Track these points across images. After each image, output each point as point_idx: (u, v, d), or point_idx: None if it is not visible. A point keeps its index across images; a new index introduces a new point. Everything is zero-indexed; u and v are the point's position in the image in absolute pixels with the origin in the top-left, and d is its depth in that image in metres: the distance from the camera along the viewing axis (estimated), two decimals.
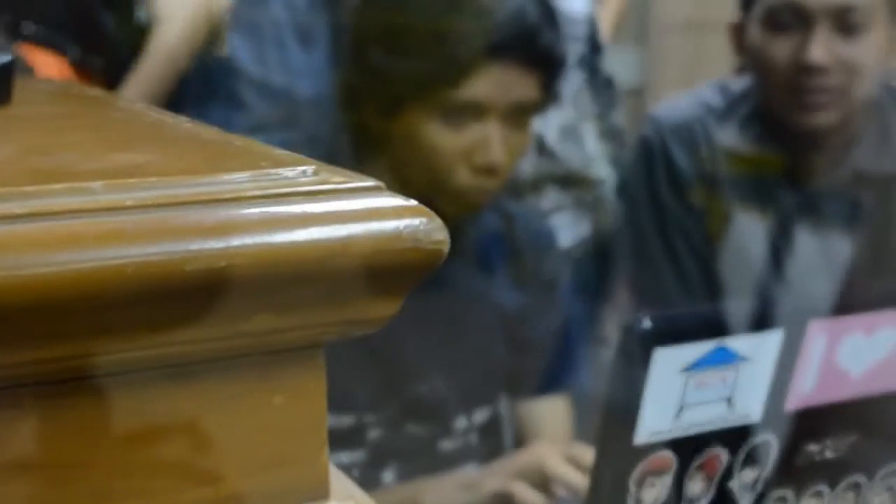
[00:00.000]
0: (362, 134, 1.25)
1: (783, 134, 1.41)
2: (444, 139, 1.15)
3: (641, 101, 3.08)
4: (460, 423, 1.27)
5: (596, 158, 1.69)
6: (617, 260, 1.58)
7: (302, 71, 1.66)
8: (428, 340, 1.26)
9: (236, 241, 0.37)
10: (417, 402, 1.25)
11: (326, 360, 0.41)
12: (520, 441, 1.33)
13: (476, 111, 1.14)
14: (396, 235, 0.38)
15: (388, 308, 0.40)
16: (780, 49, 1.33)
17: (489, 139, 1.14)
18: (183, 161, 0.43)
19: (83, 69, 1.32)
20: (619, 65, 2.97)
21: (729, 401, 0.72)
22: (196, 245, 0.36)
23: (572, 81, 1.66)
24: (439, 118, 1.15)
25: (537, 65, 1.17)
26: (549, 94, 1.21)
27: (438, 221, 0.40)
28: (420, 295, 1.19)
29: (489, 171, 1.15)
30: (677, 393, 0.70)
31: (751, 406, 0.73)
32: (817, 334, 0.74)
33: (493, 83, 1.14)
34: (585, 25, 1.66)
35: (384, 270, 0.38)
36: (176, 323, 0.37)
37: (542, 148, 1.61)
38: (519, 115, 1.17)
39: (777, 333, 0.72)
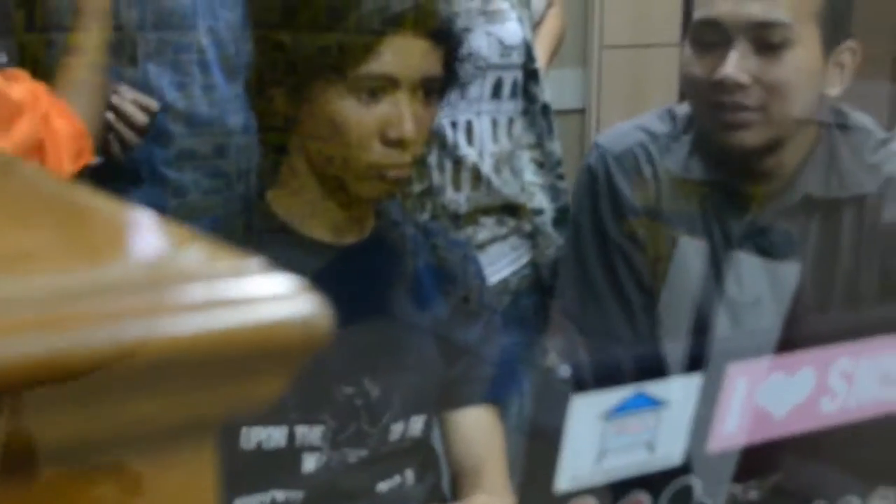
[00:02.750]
0: (276, 123, 1.26)
1: (724, 158, 1.42)
2: (355, 114, 1.19)
3: (584, 120, 3.10)
4: (395, 431, 1.28)
5: (534, 188, 1.69)
6: (558, 288, 1.58)
7: (228, 101, 1.66)
8: (360, 342, 1.27)
9: (121, 331, 0.36)
10: (350, 411, 1.25)
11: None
12: (450, 454, 1.34)
13: (384, 85, 1.18)
14: (282, 321, 0.38)
15: (274, 388, 0.39)
16: (702, 67, 1.34)
17: (400, 113, 1.18)
18: (71, 246, 0.42)
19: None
20: (562, 85, 3.00)
21: (650, 445, 0.73)
22: (81, 335, 0.36)
23: (508, 110, 1.66)
24: (348, 95, 1.18)
25: (437, 39, 1.21)
26: (452, 73, 1.25)
27: (323, 302, 0.39)
28: (349, 292, 1.19)
29: (400, 144, 1.19)
30: (598, 439, 0.70)
31: (672, 450, 0.73)
32: (738, 376, 0.75)
33: (398, 57, 1.18)
34: (521, 53, 1.66)
35: (270, 354, 0.38)
36: (60, 411, 0.37)
37: (477, 178, 1.61)
38: (425, 90, 1.21)
39: (696, 377, 0.73)
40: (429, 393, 1.33)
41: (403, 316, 1.31)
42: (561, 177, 1.69)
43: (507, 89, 1.65)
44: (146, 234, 0.43)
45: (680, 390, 0.72)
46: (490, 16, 1.64)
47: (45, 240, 0.42)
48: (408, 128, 1.18)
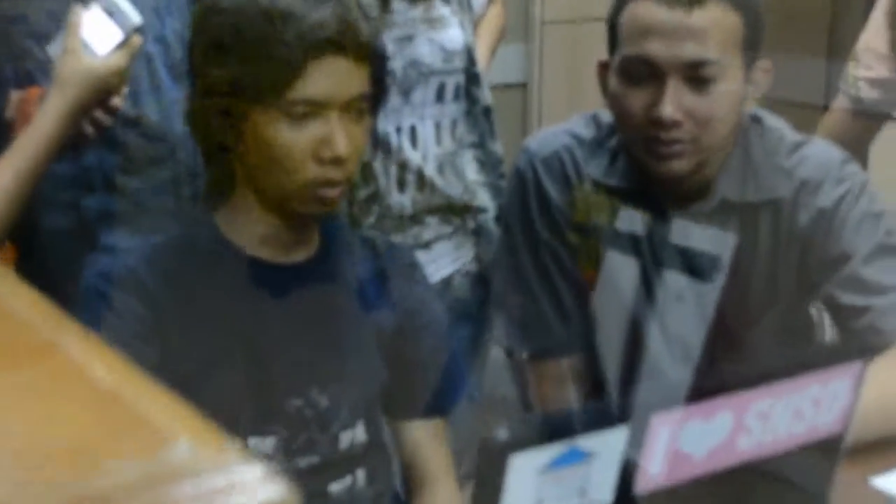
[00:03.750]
0: (217, 148, 1.31)
1: (645, 169, 1.48)
2: (289, 137, 1.24)
3: (526, 94, 3.15)
4: (344, 439, 1.34)
5: (476, 187, 1.75)
6: (492, 286, 1.65)
7: (176, 107, 1.69)
8: (308, 357, 1.33)
9: None
10: (300, 422, 1.32)
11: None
12: (402, 462, 1.41)
13: (316, 108, 1.23)
14: None
15: None
16: (635, 101, 1.39)
17: (332, 133, 1.23)
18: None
19: None
20: (505, 61, 3.05)
21: (582, 491, 0.79)
22: None
23: (451, 112, 1.71)
24: (281, 118, 1.23)
25: (363, 58, 1.25)
26: (381, 87, 1.30)
27: (290, 488, 0.45)
28: (300, 317, 1.24)
29: (335, 162, 1.24)
30: (535, 491, 0.77)
31: (602, 493, 0.80)
32: (661, 425, 0.82)
33: (325, 80, 1.23)
34: (463, 58, 1.71)
35: None
36: None
37: (421, 180, 1.66)
38: (356, 108, 1.25)
39: (623, 430, 0.80)
40: (375, 399, 1.39)
41: (350, 327, 1.37)
42: (502, 176, 1.75)
43: (449, 93, 1.70)
44: (136, 428, 0.48)
45: (609, 442, 0.79)
46: (432, 22, 1.68)
47: (31, 422, 0.47)
48: (340, 146, 1.23)
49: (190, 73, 1.32)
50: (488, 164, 1.76)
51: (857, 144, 2.07)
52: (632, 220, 1.51)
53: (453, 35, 1.70)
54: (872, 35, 1.95)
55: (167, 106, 1.70)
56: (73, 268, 1.65)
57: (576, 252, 1.54)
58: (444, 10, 1.70)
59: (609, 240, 1.53)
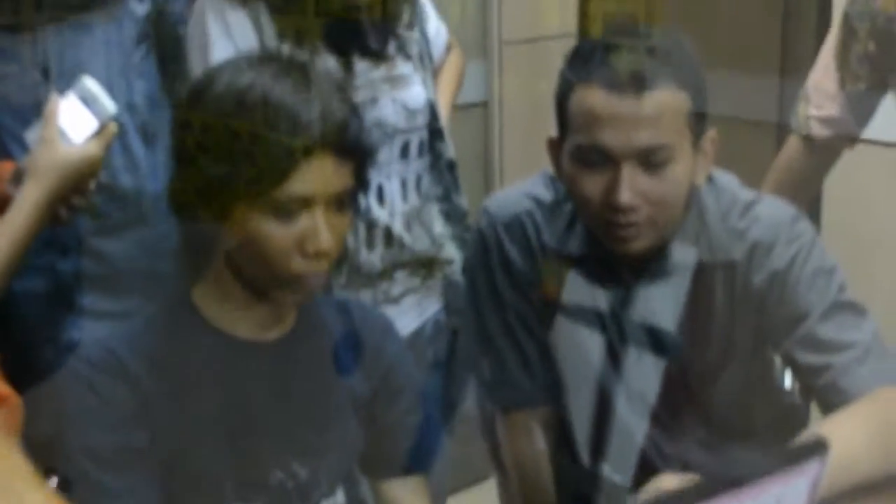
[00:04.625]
0: (200, 233, 1.34)
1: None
2: (275, 233, 1.27)
3: (487, 113, 3.19)
4: None
5: (443, 239, 1.79)
6: (460, 344, 1.69)
7: (147, 169, 1.73)
8: (287, 431, 1.37)
9: None
10: (282, 494, 1.36)
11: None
12: None
13: (301, 204, 1.26)
14: None
15: None
16: (591, 186, 1.42)
17: (317, 228, 1.27)
18: None
19: None
20: (465, 80, 3.08)
21: None
22: None
23: (416, 168, 1.75)
24: (267, 214, 1.27)
25: (348, 155, 1.29)
26: (363, 180, 1.35)
27: None
28: (278, 392, 1.29)
29: (318, 255, 1.28)
30: None
31: None
32: None
33: (313, 178, 1.26)
34: (425, 114, 1.75)
35: None
36: None
37: (389, 237, 1.70)
38: (339, 202, 1.30)
39: None
40: (353, 464, 1.44)
41: (327, 399, 1.41)
42: (468, 228, 1.79)
43: (413, 149, 1.74)
44: None
45: None
46: (395, 81, 1.71)
47: None
48: (324, 242, 1.27)
49: (174, 156, 1.34)
50: (454, 216, 1.80)
51: (812, 181, 2.13)
52: (590, 285, 1.55)
53: (416, 93, 1.73)
54: (821, 74, 2.00)
55: (138, 169, 1.73)
56: (50, 331, 1.69)
57: (538, 312, 1.58)
58: (406, 69, 1.74)
59: (568, 304, 1.57)
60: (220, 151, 1.27)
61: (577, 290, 1.55)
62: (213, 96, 1.29)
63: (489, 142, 3.16)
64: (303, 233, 1.27)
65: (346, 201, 1.31)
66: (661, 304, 1.52)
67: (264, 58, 1.36)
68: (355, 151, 1.31)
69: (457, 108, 3.09)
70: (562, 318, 1.57)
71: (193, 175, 1.30)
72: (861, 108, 1.99)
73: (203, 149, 1.28)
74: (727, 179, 1.57)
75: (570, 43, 3.18)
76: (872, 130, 2.03)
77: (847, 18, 1.95)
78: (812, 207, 2.62)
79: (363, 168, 1.33)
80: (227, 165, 1.26)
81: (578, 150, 1.43)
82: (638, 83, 1.40)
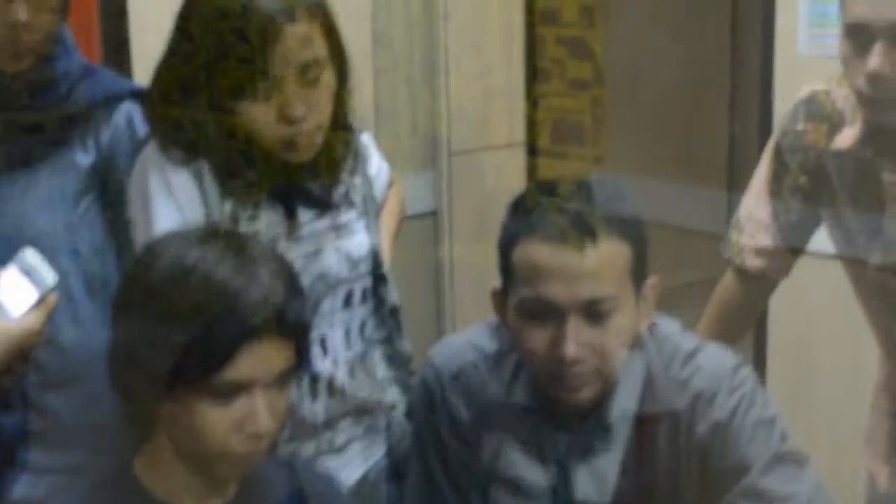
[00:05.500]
0: (139, 409, 1.35)
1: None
2: (213, 415, 1.28)
3: (436, 223, 3.23)
4: None
5: (386, 384, 1.80)
6: (406, 491, 1.71)
7: (92, 321, 1.73)
8: None
9: None
10: None
11: None
12: None
13: (240, 388, 1.28)
14: None
15: None
16: (537, 339, 1.45)
17: (256, 411, 1.29)
18: None
19: None
20: (415, 191, 3.13)
21: None
22: None
23: (359, 315, 1.77)
24: (207, 397, 1.28)
25: (290, 336, 1.31)
26: (303, 357, 1.36)
27: None
28: None
29: (259, 437, 1.29)
30: None
31: None
32: None
33: (255, 362, 1.28)
34: (369, 262, 1.76)
35: None
36: None
37: (332, 387, 1.72)
38: (280, 381, 1.31)
39: None
40: None
41: None
42: (412, 373, 1.81)
43: (357, 297, 1.75)
44: None
45: None
46: (339, 230, 1.73)
47: None
48: (263, 424, 1.29)
49: (113, 333, 1.36)
50: (397, 360, 1.81)
51: (749, 312, 2.17)
52: (536, 430, 1.57)
53: (360, 241, 1.75)
54: (754, 204, 2.04)
55: (83, 322, 1.75)
56: None
57: (483, 463, 1.60)
58: (350, 216, 1.75)
59: (513, 449, 1.59)
60: (158, 334, 1.28)
61: (521, 440, 1.57)
62: (153, 278, 1.31)
63: (440, 251, 3.19)
64: (242, 415, 1.29)
65: (287, 379, 1.33)
66: (603, 450, 1.54)
67: (207, 234, 1.38)
68: (296, 332, 1.33)
69: (408, 219, 3.14)
70: (498, 485, 1.59)
71: (131, 352, 1.32)
72: (794, 239, 2.04)
73: (143, 329, 1.30)
74: (669, 327, 1.60)
75: (520, 152, 3.26)
76: (819, 242, 2.07)
77: (778, 151, 2.01)
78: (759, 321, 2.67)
79: (304, 345, 1.35)
80: (166, 348, 1.28)
81: (523, 303, 1.46)
82: (581, 236, 1.44)
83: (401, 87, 3.11)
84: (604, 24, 3.33)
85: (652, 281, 1.54)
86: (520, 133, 3.24)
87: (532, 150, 3.25)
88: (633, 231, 1.50)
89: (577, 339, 1.42)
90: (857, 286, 2.05)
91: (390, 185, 1.98)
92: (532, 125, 3.27)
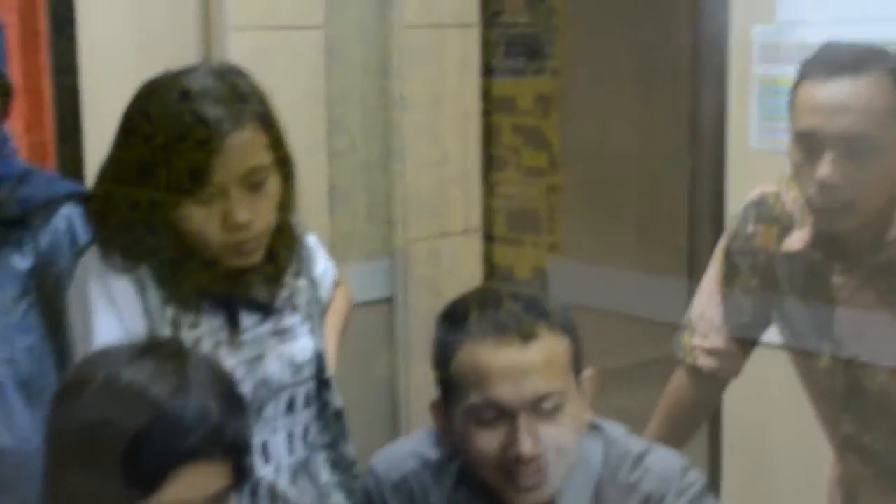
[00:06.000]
0: None
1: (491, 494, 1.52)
2: None
3: (392, 308, 3.21)
4: None
5: (330, 488, 1.77)
6: None
7: (28, 429, 1.70)
8: None
9: None
10: None
11: None
12: None
13: None
14: None
15: None
16: (490, 442, 1.43)
17: None
18: None
19: None
20: (371, 278, 3.11)
21: None
22: None
23: (302, 420, 1.74)
24: None
25: (228, 456, 1.28)
26: (242, 475, 1.32)
27: None
28: None
29: None
30: None
31: None
32: None
33: (188, 483, 1.24)
34: (312, 366, 1.74)
35: None
36: None
37: (274, 495, 1.69)
38: (217, 501, 1.27)
39: None
40: None
41: None
42: (356, 477, 1.78)
43: (300, 402, 1.73)
44: None
45: None
46: (282, 335, 1.71)
47: None
48: None
49: (47, 457, 1.33)
50: (340, 465, 1.79)
51: (700, 411, 2.16)
52: None
53: (303, 345, 1.73)
54: (705, 304, 2.05)
55: (18, 429, 1.71)
56: None
57: None
58: (293, 320, 1.73)
59: None
60: (91, 453, 1.25)
61: None
62: (87, 395, 1.28)
63: (395, 336, 3.17)
64: None
65: (225, 498, 1.30)
66: None
67: (144, 349, 1.36)
68: (234, 451, 1.30)
69: (363, 305, 3.12)
70: None
71: (64, 471, 1.29)
72: (746, 339, 2.04)
73: (74, 448, 1.27)
74: (616, 431, 1.59)
75: (476, 238, 3.26)
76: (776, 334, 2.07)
77: (728, 253, 2.01)
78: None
79: (242, 464, 1.32)
80: (99, 471, 1.24)
81: (472, 410, 1.44)
82: (524, 333, 1.44)
83: (357, 172, 3.11)
84: (559, 114, 3.36)
85: (588, 372, 1.53)
86: (476, 220, 3.24)
87: (489, 237, 3.25)
88: (568, 323, 1.50)
89: (530, 437, 1.41)
90: (807, 385, 2.05)
91: (337, 284, 1.97)
92: (488, 212, 3.27)
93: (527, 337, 1.44)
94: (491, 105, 3.27)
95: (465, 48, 3.13)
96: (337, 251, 3.02)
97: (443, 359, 1.49)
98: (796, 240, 1.89)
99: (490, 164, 3.26)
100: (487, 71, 3.23)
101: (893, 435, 1.88)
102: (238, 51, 2.62)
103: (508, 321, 1.45)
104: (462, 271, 3.20)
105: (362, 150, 3.11)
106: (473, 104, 3.17)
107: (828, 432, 2.08)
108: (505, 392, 1.42)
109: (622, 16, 3.60)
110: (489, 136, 3.19)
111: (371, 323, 3.15)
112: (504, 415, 1.42)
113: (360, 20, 3.00)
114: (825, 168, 1.70)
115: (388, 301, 3.20)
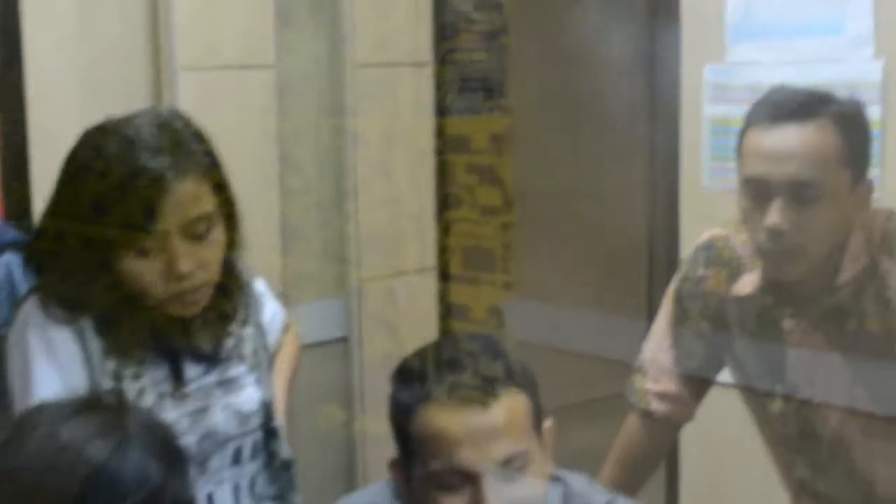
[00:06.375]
0: None
1: None
2: None
3: (347, 348, 3.18)
4: None
5: None
6: None
7: None
8: None
9: None
10: None
11: None
12: None
13: None
14: None
15: None
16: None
17: None
18: None
19: None
20: (325, 317, 3.08)
21: None
22: None
23: (249, 471, 1.71)
24: None
25: None
26: None
27: None
28: None
29: None
30: None
31: None
32: None
33: None
34: (259, 416, 1.71)
35: None
36: None
37: None
38: None
39: None
40: None
41: None
42: None
43: (247, 453, 1.70)
44: None
45: None
46: (227, 385, 1.68)
47: None
48: None
49: None
50: None
51: (653, 455, 2.15)
52: None
53: (249, 395, 1.70)
54: (656, 348, 2.04)
55: None
56: None
57: None
58: (239, 370, 1.71)
59: None
60: None
61: None
62: (23, 454, 1.25)
63: (350, 376, 3.14)
64: None
65: None
66: None
67: (83, 406, 1.32)
68: None
69: (317, 346, 3.09)
70: None
71: None
72: (698, 383, 2.03)
73: None
74: (578, 483, 1.57)
75: (431, 277, 3.24)
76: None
77: (679, 297, 2.01)
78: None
79: None
80: None
81: (433, 476, 1.40)
82: (483, 394, 1.40)
83: (311, 211, 3.08)
84: (513, 152, 3.35)
85: (548, 424, 1.50)
86: (431, 258, 3.22)
87: (444, 276, 3.23)
88: (527, 378, 1.47)
89: (496, 501, 1.37)
90: (761, 429, 2.04)
91: (286, 329, 1.94)
92: (444, 251, 3.25)
93: (488, 399, 1.40)
94: (445, 144, 3.26)
95: (419, 87, 3.12)
96: (291, 291, 3.00)
97: (401, 419, 1.46)
98: (746, 283, 1.88)
99: (445, 202, 3.25)
100: (441, 110, 3.22)
101: (847, 480, 1.87)
102: (187, 90, 2.60)
103: (468, 383, 1.42)
104: (418, 310, 3.17)
105: (316, 189, 3.09)
106: (427, 143, 3.16)
107: (783, 476, 2.07)
108: (468, 458, 1.38)
109: (576, 53, 3.60)
110: (443, 174, 3.18)
111: (326, 364, 3.13)
112: (467, 480, 1.39)
113: (313, 59, 2.99)
114: (773, 215, 1.70)
115: (343, 341, 3.17)
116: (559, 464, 1.55)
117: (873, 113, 2.35)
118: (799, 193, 1.71)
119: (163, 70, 2.62)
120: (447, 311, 3.26)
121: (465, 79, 3.64)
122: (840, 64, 2.43)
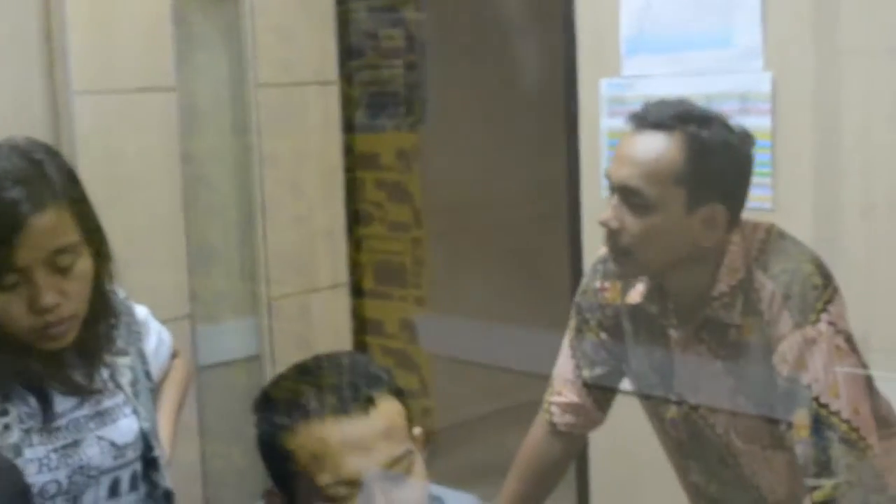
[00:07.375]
0: None
1: None
2: None
3: (260, 366, 3.18)
4: None
5: None
6: None
7: None
8: None
9: None
10: None
11: None
12: None
13: None
14: None
15: None
16: None
17: None
18: None
19: None
20: (237, 336, 3.09)
21: None
22: None
23: (127, 502, 1.67)
24: None
25: None
26: None
27: None
28: None
29: None
30: None
31: None
32: None
33: None
34: (137, 447, 1.68)
35: None
36: None
37: None
38: None
39: None
40: None
41: None
42: None
43: (125, 485, 1.66)
44: None
45: None
46: (101, 417, 1.64)
47: None
48: None
49: None
50: None
51: (557, 466, 2.16)
52: None
53: (125, 426, 1.67)
54: (562, 360, 2.06)
55: None
56: None
57: None
58: (115, 401, 1.67)
59: None
60: None
61: None
62: None
63: None
64: None
65: None
66: None
67: None
68: None
69: (232, 364, 3.09)
70: None
71: None
72: (600, 394, 2.05)
73: None
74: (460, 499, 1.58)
75: (344, 293, 3.25)
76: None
77: (579, 309, 2.03)
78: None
79: None
80: None
81: (324, 491, 1.38)
82: (362, 403, 1.41)
83: (221, 230, 3.09)
84: (421, 168, 3.38)
85: (418, 431, 1.52)
86: (343, 274, 3.24)
87: (357, 292, 3.25)
88: (396, 385, 1.48)
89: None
90: (658, 435, 2.07)
91: (175, 355, 1.92)
92: (356, 267, 3.27)
93: (367, 406, 1.41)
94: (354, 161, 3.28)
95: (326, 105, 3.14)
96: (203, 310, 3.00)
97: (277, 443, 1.45)
98: (635, 294, 1.91)
99: (356, 219, 3.26)
100: (350, 127, 3.24)
101: (736, 485, 1.90)
102: (84, 114, 2.59)
103: (344, 394, 1.43)
104: (331, 326, 3.19)
105: (226, 208, 3.09)
106: (336, 160, 3.18)
107: (679, 481, 2.10)
108: (357, 465, 1.38)
109: (482, 69, 3.63)
110: (353, 191, 3.20)
111: (241, 382, 3.12)
112: (356, 486, 1.38)
113: (219, 81, 2.99)
114: (606, 211, 1.76)
115: (256, 359, 3.17)
116: (467, 473, 1.56)
117: (762, 124, 2.42)
118: (627, 199, 1.76)
119: (58, 95, 2.61)
120: (361, 325, 3.27)
121: (371, 97, 3.66)
122: (730, 75, 2.49)
